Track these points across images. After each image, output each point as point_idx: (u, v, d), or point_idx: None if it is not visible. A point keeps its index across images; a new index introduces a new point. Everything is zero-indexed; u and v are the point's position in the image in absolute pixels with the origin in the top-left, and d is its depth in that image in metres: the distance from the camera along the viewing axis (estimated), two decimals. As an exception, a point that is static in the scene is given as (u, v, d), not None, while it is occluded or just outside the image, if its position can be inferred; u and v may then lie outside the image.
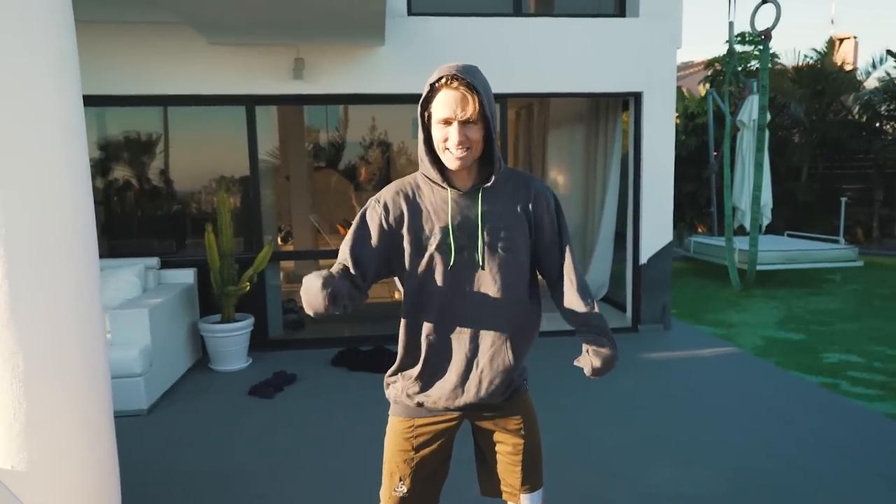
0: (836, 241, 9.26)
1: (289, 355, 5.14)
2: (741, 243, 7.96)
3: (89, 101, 5.01)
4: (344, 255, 1.59)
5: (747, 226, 8.62)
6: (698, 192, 11.57)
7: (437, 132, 1.52)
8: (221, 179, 5.16)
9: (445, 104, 1.48)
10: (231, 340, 4.74)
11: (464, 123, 1.49)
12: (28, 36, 1.82)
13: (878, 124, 12.01)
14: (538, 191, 1.66)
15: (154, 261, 4.89)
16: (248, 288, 4.78)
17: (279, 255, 6.04)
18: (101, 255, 5.45)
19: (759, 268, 8.18)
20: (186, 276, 4.95)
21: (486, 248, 1.58)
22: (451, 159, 1.52)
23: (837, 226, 10.28)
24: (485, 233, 1.58)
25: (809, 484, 2.95)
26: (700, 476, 3.04)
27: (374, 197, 1.64)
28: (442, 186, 1.59)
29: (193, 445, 3.51)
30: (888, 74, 11.61)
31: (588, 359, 1.62)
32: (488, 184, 1.58)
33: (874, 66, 11.99)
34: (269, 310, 5.36)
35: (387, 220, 1.59)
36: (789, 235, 10.04)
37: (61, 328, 1.95)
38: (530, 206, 1.64)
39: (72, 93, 1.97)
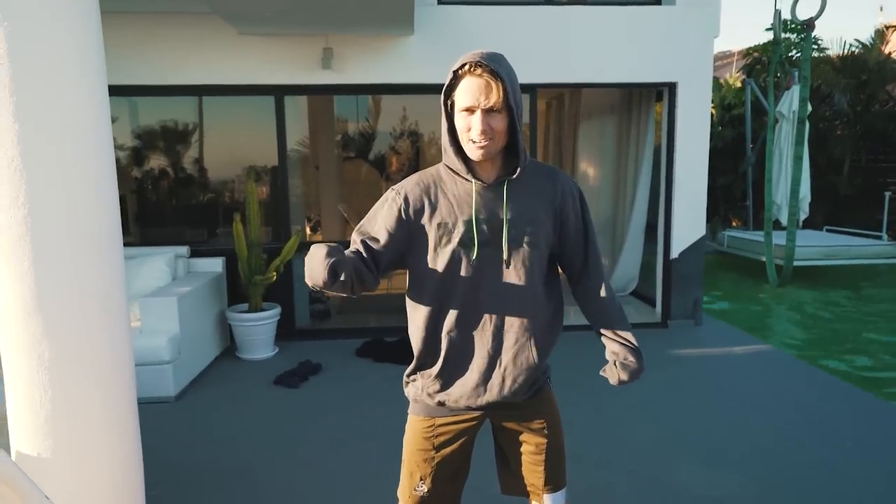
0: (879, 237, 8.95)
1: (315, 345, 5.17)
2: (778, 238, 7.74)
3: (120, 90, 5.13)
4: (357, 242, 1.56)
5: (783, 220, 8.38)
6: (733, 185, 11.27)
7: (460, 121, 1.47)
8: (250, 169, 5.19)
9: (468, 92, 1.43)
10: (258, 329, 4.78)
11: (487, 112, 1.43)
12: (54, 25, 1.83)
13: (925, 115, 11.53)
14: (564, 185, 1.61)
15: (184, 249, 4.95)
16: (275, 278, 4.81)
17: (307, 245, 6.06)
18: (133, 243, 5.58)
19: (795, 263, 7.95)
20: (215, 264, 5.00)
21: (510, 242, 1.53)
22: (473, 150, 1.47)
23: (880, 221, 9.92)
24: (510, 227, 1.52)
25: (842, 490, 2.84)
26: (728, 479, 2.95)
27: (395, 186, 1.60)
28: (466, 178, 1.54)
29: (218, 433, 3.55)
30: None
31: (615, 371, 1.59)
32: (513, 176, 1.53)
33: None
34: (296, 299, 5.39)
35: (406, 211, 1.55)
36: (828, 230, 9.74)
37: (87, 316, 1.97)
38: (556, 201, 1.59)
39: (97, 83, 1.98)
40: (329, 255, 1.37)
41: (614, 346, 1.61)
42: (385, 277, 1.62)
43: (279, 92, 5.16)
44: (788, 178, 8.22)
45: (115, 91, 4.99)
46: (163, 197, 6.06)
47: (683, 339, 5.29)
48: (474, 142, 1.46)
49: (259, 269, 4.80)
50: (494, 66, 1.41)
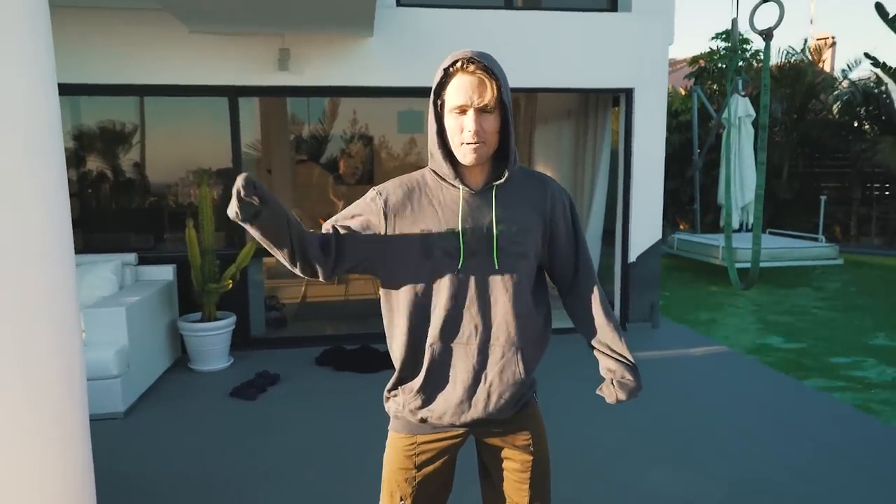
0: (817, 239, 9.35)
1: (272, 354, 5.00)
2: (736, 241, 7.99)
3: (64, 89, 4.81)
4: (326, 229, 1.46)
5: (734, 224, 8.65)
6: (680, 190, 11.60)
7: (452, 121, 1.39)
8: (202, 172, 4.98)
9: (461, 90, 1.36)
10: (212, 339, 4.59)
11: (480, 111, 1.37)
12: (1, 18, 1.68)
13: (856, 124, 12.16)
14: (554, 192, 1.56)
15: (131, 256, 4.71)
16: (231, 285, 4.63)
17: (263, 250, 5.87)
18: (76, 251, 5.27)
19: (739, 265, 8.21)
20: (165, 272, 4.78)
21: (498, 252, 1.46)
22: (465, 153, 1.40)
23: (817, 223, 10.37)
24: (498, 236, 1.46)
25: (807, 489, 2.91)
26: (697, 481, 2.98)
27: (377, 187, 1.50)
28: (453, 185, 1.46)
29: (172, 450, 3.36)
30: (865, 78, 11.78)
31: (613, 390, 1.55)
32: (501, 181, 1.46)
33: (849, 68, 12.15)
34: (251, 307, 5.20)
35: (387, 212, 1.46)
36: (771, 233, 10.11)
37: (34, 328, 1.81)
38: (546, 210, 1.53)
39: (46, 82, 1.83)
40: (249, 178, 1.23)
41: (610, 363, 1.55)
42: (341, 274, 1.49)
43: (233, 93, 4.97)
44: (738, 182, 8.50)
45: (60, 90, 4.78)
46: (108, 201, 5.77)
47: (642, 341, 5.36)
48: (466, 143, 1.39)
49: (213, 277, 4.61)
50: (488, 64, 1.36)
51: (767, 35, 3.79)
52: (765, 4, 3.85)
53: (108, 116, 5.49)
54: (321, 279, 1.44)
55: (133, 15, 4.70)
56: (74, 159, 5.40)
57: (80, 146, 5.45)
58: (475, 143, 1.38)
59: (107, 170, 5.64)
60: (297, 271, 1.41)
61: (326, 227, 1.47)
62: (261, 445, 3.39)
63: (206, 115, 5.37)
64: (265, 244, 1.36)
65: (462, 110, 1.38)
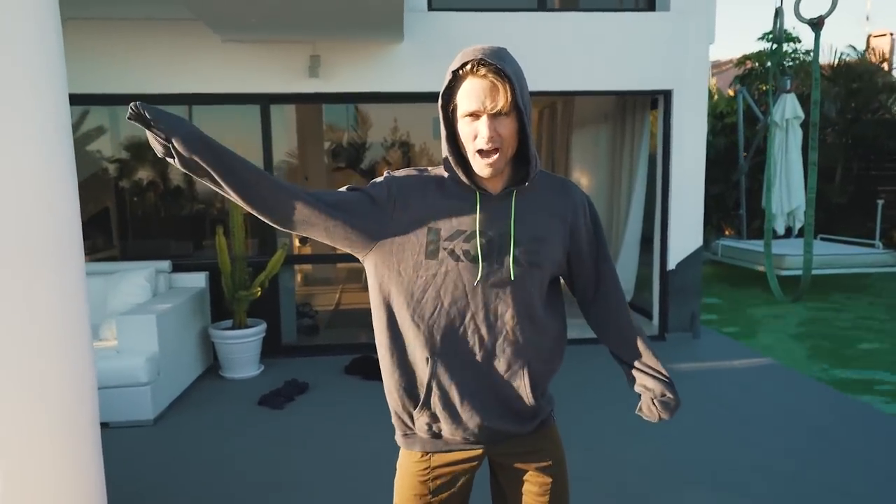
0: (873, 245, 8.89)
1: (302, 362, 4.99)
2: (778, 248, 7.66)
3: (102, 99, 4.97)
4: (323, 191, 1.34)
5: (780, 229, 8.30)
6: (726, 194, 11.22)
7: (465, 128, 1.29)
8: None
9: (472, 95, 1.26)
10: (242, 347, 4.60)
11: (494, 116, 1.26)
12: (11, 30, 1.67)
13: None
14: (576, 200, 1.44)
15: (165, 264, 4.76)
16: (259, 293, 4.63)
17: (294, 258, 5.89)
18: (115, 258, 5.39)
19: (789, 273, 7.86)
20: (198, 279, 4.82)
21: (513, 259, 1.36)
22: (481, 165, 1.29)
23: (873, 229, 9.87)
24: (515, 243, 1.36)
25: (859, 517, 2.70)
26: (737, 503, 2.81)
27: (391, 174, 1.39)
28: (469, 186, 1.36)
29: (198, 459, 3.36)
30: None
31: (655, 410, 1.44)
32: (524, 185, 1.36)
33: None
34: (282, 315, 5.21)
35: (394, 196, 1.34)
36: (822, 239, 9.68)
37: (41, 335, 1.80)
38: (568, 218, 1.42)
39: (56, 91, 1.82)
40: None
41: (648, 381, 1.45)
42: (307, 221, 1.30)
43: (265, 100, 5.00)
44: (785, 186, 8.15)
45: (98, 100, 4.90)
46: (148, 210, 5.88)
47: (682, 352, 5.15)
48: (481, 152, 1.29)
49: (243, 284, 4.62)
50: (500, 65, 1.24)
51: (817, 24, 3.53)
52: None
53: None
54: (273, 218, 1.29)
55: (167, 25, 4.77)
56: (116, 169, 5.52)
57: (122, 157, 5.56)
58: (491, 151, 1.28)
59: (150, 179, 5.75)
60: (253, 211, 1.27)
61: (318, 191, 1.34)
62: (283, 456, 3.35)
63: (242, 124, 5.42)
64: (207, 181, 1.22)
65: (475, 116, 1.28)
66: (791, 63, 11.89)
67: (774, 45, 5.11)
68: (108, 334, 4.07)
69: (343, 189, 1.39)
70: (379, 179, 1.40)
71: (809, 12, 3.55)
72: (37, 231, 1.77)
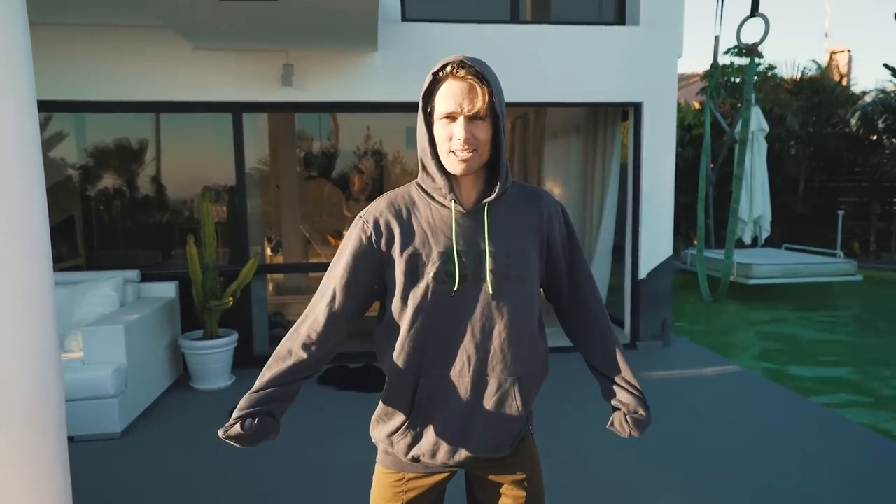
0: (834, 255, 9.15)
1: (274, 373, 4.91)
2: (745, 258, 7.85)
3: (70, 106, 4.87)
4: (321, 302, 1.40)
5: (746, 238, 8.50)
6: (694, 204, 11.44)
7: (441, 130, 1.30)
8: (205, 189, 4.96)
9: (450, 96, 1.27)
10: (213, 357, 4.52)
11: (471, 119, 1.28)
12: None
13: (874, 137, 11.95)
14: (550, 209, 1.45)
15: (134, 273, 4.67)
16: (231, 303, 4.57)
17: (266, 267, 5.83)
18: (82, 268, 5.26)
19: (757, 282, 8.06)
20: (168, 289, 4.73)
21: (493, 276, 1.35)
22: (454, 162, 1.30)
23: (834, 239, 10.17)
24: (492, 259, 1.35)
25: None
26: (709, 510, 2.85)
27: (362, 216, 1.40)
28: (443, 204, 1.37)
29: (166, 473, 3.28)
30: (885, 90, 11.57)
31: (626, 427, 1.45)
32: (491, 197, 1.36)
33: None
34: (254, 324, 5.14)
35: (377, 241, 1.36)
36: (787, 248, 9.92)
37: (6, 346, 1.75)
38: (542, 228, 1.42)
39: (24, 97, 1.78)
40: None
41: (623, 396, 1.46)
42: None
43: (237, 109, 4.95)
44: (748, 195, 8.37)
45: (65, 107, 4.80)
46: (114, 218, 5.76)
47: (653, 360, 5.22)
48: (455, 152, 1.30)
49: (215, 294, 4.56)
50: (480, 69, 1.27)
51: (752, 51, 3.72)
52: (751, 20, 3.79)
53: (113, 134, 5.49)
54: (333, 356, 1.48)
55: (137, 32, 4.71)
56: (82, 176, 5.41)
57: (88, 163, 5.45)
58: (465, 151, 1.29)
59: (117, 187, 5.63)
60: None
61: (322, 298, 1.39)
62: (258, 468, 3.30)
63: (213, 132, 5.36)
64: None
65: (451, 118, 1.29)
66: (757, 78, 12.22)
67: (712, 70, 5.39)
68: (74, 346, 3.96)
69: (339, 268, 1.39)
70: (354, 230, 1.40)
71: (747, 38, 3.84)
72: (3, 239, 1.73)
